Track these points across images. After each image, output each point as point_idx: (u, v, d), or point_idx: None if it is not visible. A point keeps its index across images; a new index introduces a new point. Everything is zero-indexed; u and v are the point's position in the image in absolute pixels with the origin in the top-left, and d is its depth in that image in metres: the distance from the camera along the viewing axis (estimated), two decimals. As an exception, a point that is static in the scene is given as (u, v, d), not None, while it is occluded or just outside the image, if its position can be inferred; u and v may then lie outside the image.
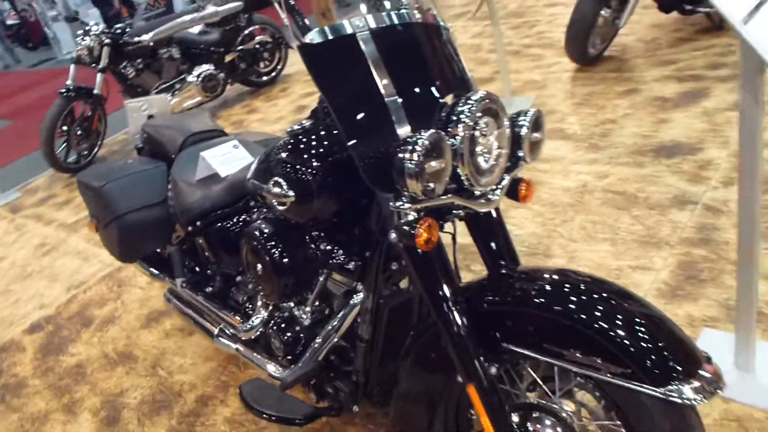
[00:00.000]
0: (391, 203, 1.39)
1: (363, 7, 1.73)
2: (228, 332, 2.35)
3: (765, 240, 2.58)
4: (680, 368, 1.23)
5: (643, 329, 1.28)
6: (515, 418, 1.52)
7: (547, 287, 1.42)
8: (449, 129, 1.35)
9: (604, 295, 1.36)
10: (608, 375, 1.27)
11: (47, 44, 15.03)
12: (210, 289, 2.55)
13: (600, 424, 1.48)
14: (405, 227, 1.35)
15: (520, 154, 1.49)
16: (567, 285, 1.40)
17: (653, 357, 1.25)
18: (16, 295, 4.12)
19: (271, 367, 2.11)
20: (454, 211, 1.53)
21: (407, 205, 1.35)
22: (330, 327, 1.89)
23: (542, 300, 1.39)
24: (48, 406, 2.94)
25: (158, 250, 2.80)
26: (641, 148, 3.55)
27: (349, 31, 1.42)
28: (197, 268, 2.62)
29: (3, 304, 4.06)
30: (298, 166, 1.61)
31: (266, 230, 1.84)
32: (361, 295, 1.80)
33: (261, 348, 2.21)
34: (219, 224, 2.28)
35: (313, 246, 1.83)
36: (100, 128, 6.20)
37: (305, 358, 1.96)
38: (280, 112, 6.20)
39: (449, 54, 1.54)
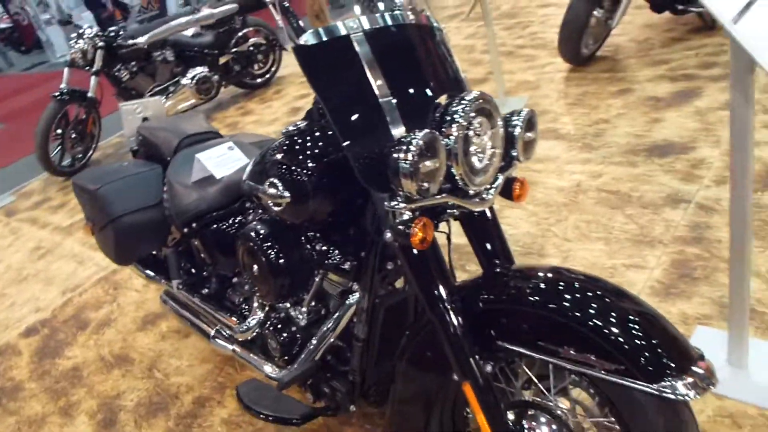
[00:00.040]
0: (386, 203, 1.40)
1: (357, 9, 1.75)
2: (224, 333, 2.35)
3: (757, 238, 2.60)
4: (673, 365, 1.24)
5: (636, 326, 1.30)
6: (511, 415, 1.53)
7: (542, 285, 1.43)
8: (443, 129, 1.36)
9: (598, 292, 1.37)
10: (602, 372, 1.28)
11: (40, 47, 14.99)
12: (206, 290, 2.55)
13: (594, 421, 1.49)
14: (400, 227, 1.36)
15: (514, 153, 1.51)
16: (561, 283, 1.42)
17: (646, 354, 1.26)
18: (12, 299, 4.11)
19: (268, 368, 2.11)
20: (449, 211, 1.55)
21: (402, 205, 1.36)
22: (326, 327, 1.90)
23: (537, 298, 1.40)
24: (45, 409, 2.94)
25: (154, 253, 2.80)
26: (634, 147, 3.57)
27: (343, 32, 1.43)
28: (193, 270, 2.63)
29: (-2, 307, 4.06)
30: (293, 167, 1.62)
31: (262, 231, 1.85)
32: (356, 295, 1.81)
33: (258, 349, 2.22)
34: (215, 226, 2.29)
35: (308, 246, 1.84)
36: (94, 131, 6.19)
37: (302, 358, 1.96)
38: (274, 114, 6.21)
39: (443, 55, 1.55)
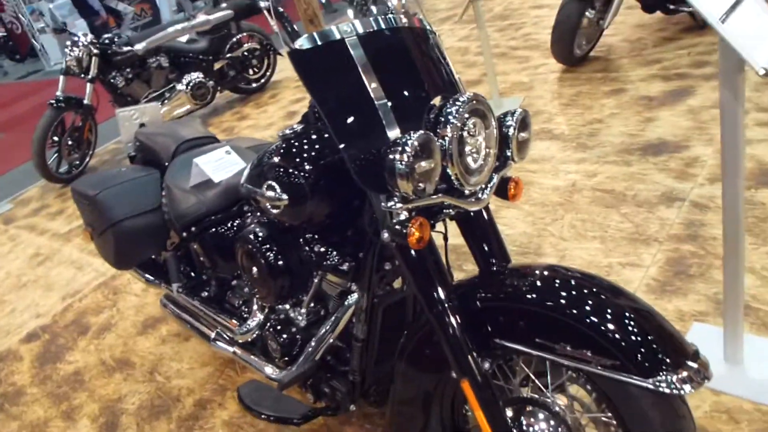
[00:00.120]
0: (383, 203, 1.42)
1: (350, 13, 1.77)
2: (225, 336, 2.36)
3: (751, 235, 2.62)
4: (668, 360, 1.26)
5: (631, 322, 1.31)
6: (509, 412, 1.54)
7: (538, 283, 1.45)
8: (438, 130, 1.38)
9: (594, 289, 1.39)
10: (598, 367, 1.30)
11: (35, 56, 14.97)
12: (206, 293, 2.57)
13: (592, 417, 1.51)
14: (397, 226, 1.38)
15: (508, 153, 1.53)
16: (557, 281, 1.43)
17: (642, 349, 1.28)
18: (12, 305, 4.12)
19: (269, 369, 2.12)
20: (445, 211, 1.57)
21: (399, 205, 1.38)
22: (325, 327, 1.91)
23: (533, 296, 1.42)
24: (47, 414, 2.95)
25: (153, 257, 2.81)
26: (628, 146, 3.59)
27: (338, 36, 1.45)
28: (192, 274, 2.64)
29: (-2, 314, 4.07)
30: (290, 170, 1.63)
31: (260, 234, 1.87)
32: (355, 295, 1.82)
33: (258, 350, 2.23)
34: (214, 229, 2.30)
35: (307, 248, 1.85)
36: (90, 138, 6.19)
37: (302, 358, 1.97)
38: (270, 118, 6.22)
39: (436, 57, 1.57)
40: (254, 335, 2.17)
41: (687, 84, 4.11)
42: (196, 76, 6.43)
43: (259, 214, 2.05)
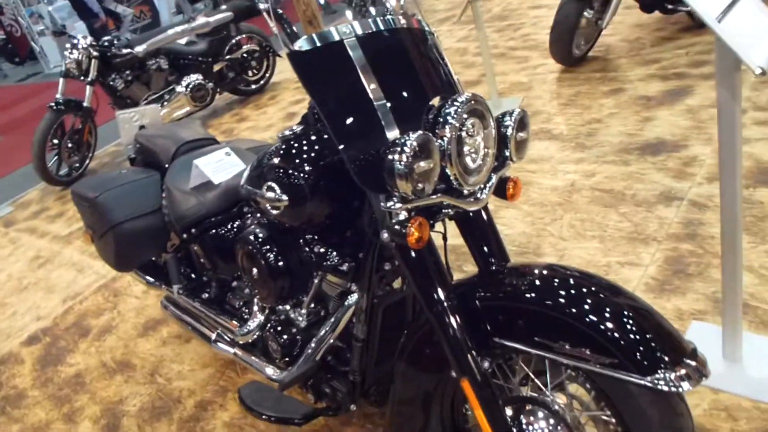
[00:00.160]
0: (382, 204, 1.43)
1: (349, 14, 1.78)
2: (225, 337, 2.36)
3: (749, 234, 2.63)
4: (666, 358, 1.27)
5: (630, 321, 1.32)
6: (509, 411, 1.55)
7: (537, 282, 1.45)
8: (437, 130, 1.39)
9: (593, 288, 1.40)
10: (597, 366, 1.30)
11: (34, 59, 14.97)
12: (206, 295, 2.57)
13: (591, 415, 1.51)
14: (396, 226, 1.39)
15: (507, 153, 1.53)
16: (556, 280, 1.44)
17: (640, 347, 1.28)
18: (13, 308, 4.12)
19: (269, 370, 2.12)
20: (444, 211, 1.57)
21: (398, 205, 1.39)
22: (326, 328, 1.92)
23: (532, 295, 1.43)
24: (48, 416, 2.96)
25: (154, 259, 2.82)
26: (627, 146, 3.60)
27: (337, 38, 1.46)
28: (193, 275, 2.64)
29: (0, 317, 4.07)
30: (290, 171, 1.64)
31: (261, 235, 1.87)
32: (355, 295, 1.83)
33: (258, 351, 2.23)
34: (214, 230, 2.31)
35: (307, 249, 1.86)
36: (90, 140, 6.19)
37: (302, 359, 1.98)
38: (269, 120, 6.23)
39: (435, 58, 1.58)
40: (255, 336, 2.18)
41: (685, 83, 4.12)
42: (195, 78, 6.44)
43: (259, 215, 2.06)
